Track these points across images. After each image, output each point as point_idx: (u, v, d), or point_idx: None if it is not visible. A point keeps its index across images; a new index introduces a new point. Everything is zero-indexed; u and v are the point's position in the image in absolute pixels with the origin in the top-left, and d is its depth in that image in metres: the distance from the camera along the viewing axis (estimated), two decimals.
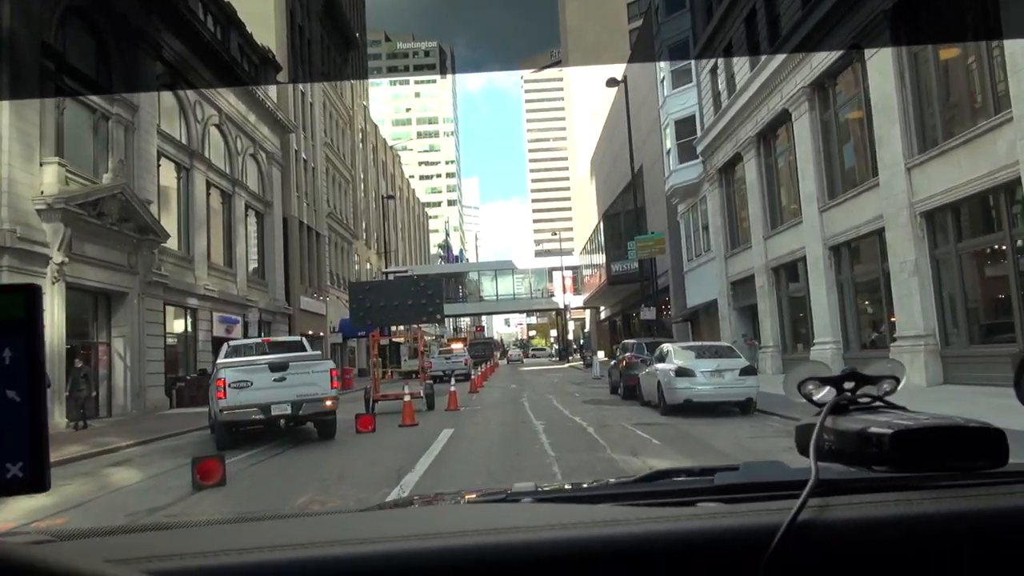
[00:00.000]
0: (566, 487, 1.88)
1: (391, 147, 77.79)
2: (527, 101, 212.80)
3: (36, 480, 0.73)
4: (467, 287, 70.96)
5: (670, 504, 1.21)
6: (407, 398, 16.32)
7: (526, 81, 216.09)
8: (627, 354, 21.89)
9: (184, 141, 28.58)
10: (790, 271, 24.99)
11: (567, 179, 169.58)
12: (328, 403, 13.33)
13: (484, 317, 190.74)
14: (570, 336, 66.74)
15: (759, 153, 26.22)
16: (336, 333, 46.45)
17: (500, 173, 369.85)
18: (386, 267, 61.22)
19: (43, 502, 8.57)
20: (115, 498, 9.58)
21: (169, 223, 26.62)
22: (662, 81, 36.07)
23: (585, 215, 75.00)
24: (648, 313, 31.29)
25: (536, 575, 1.00)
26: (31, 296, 0.75)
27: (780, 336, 25.69)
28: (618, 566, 1.00)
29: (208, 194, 30.65)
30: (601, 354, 69.64)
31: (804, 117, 21.86)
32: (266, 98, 36.11)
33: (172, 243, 26.93)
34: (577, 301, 67.29)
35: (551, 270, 69.19)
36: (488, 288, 70.59)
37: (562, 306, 64.64)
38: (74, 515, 8.39)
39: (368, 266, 62.57)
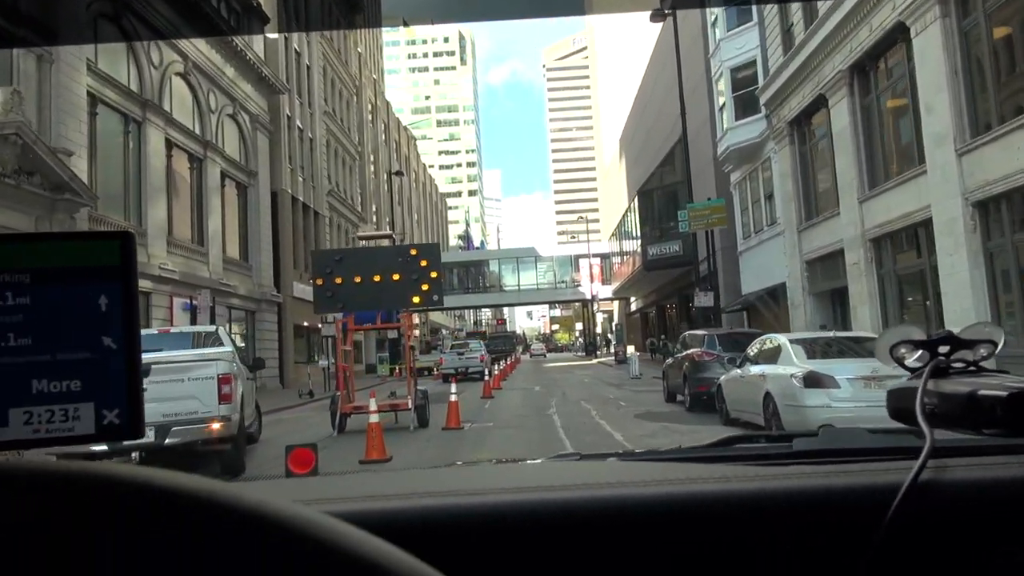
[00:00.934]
0: (637, 450, 1.88)
1: (405, 128, 72.34)
2: (549, 90, 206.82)
3: (132, 427, 0.74)
4: (487, 277, 65.37)
5: (760, 465, 1.15)
6: (374, 418, 10.68)
7: (548, 70, 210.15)
8: (693, 350, 16.12)
9: (134, 88, 23.19)
10: (903, 240, 19.09)
11: (592, 169, 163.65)
12: (214, 427, 8.04)
13: (506, 310, 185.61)
14: (598, 329, 60.85)
15: (853, 92, 20.32)
16: (330, 324, 41.14)
17: (523, 166, 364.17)
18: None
19: None
20: None
21: (111, 185, 21.22)
22: (713, 24, 30.16)
23: (613, 201, 69.10)
24: (704, 299, 25.59)
25: (652, 528, 0.96)
26: (126, 243, 0.75)
27: (883, 327, 19.76)
28: (732, 523, 0.97)
29: (169, 156, 25.28)
30: (631, 349, 63.88)
31: (933, 27, 15.95)
32: (247, 49, 30.65)
33: (114, 210, 21.56)
34: (605, 291, 61.50)
35: (576, 257, 63.37)
36: (509, 278, 64.94)
37: (589, 296, 58.88)
38: None
39: None
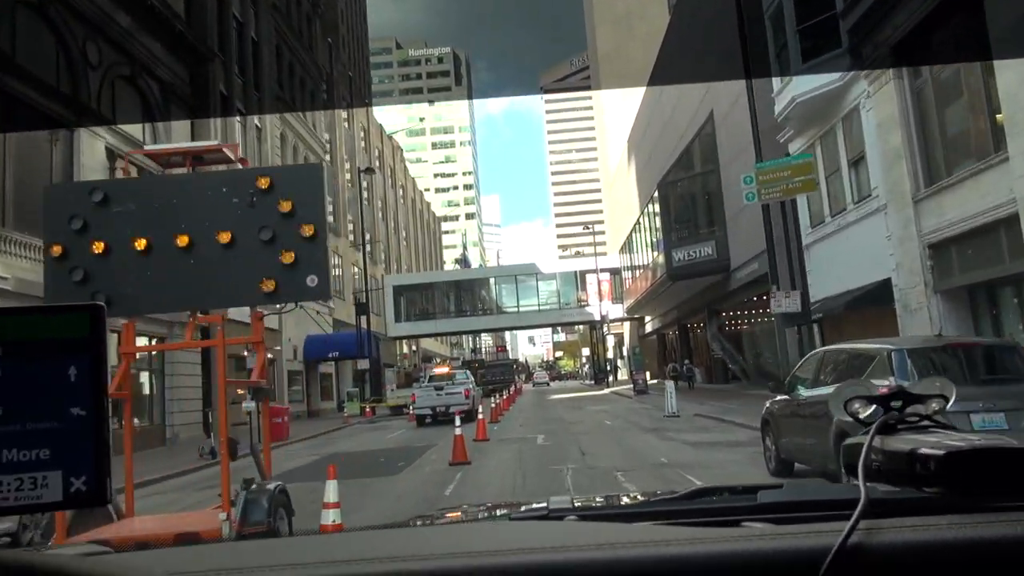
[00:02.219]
0: (607, 503, 1.86)
1: (390, 137, 64.97)
2: (547, 112, 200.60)
3: (99, 493, 0.76)
4: (483, 299, 57.51)
5: (714, 524, 1.16)
6: None
7: (546, 91, 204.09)
8: (855, 387, 8.07)
9: None
10: None
11: (595, 191, 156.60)
12: None
13: (507, 336, 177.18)
14: (608, 354, 52.89)
15: None
16: (294, 361, 33.21)
17: (523, 194, 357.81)
18: (376, 273, 48.51)
19: None
20: None
21: None
22: None
23: (620, 214, 61.45)
24: (788, 302, 17.86)
25: None
26: (95, 314, 0.78)
27: None
28: None
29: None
30: (647, 374, 55.77)
31: None
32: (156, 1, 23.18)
33: None
34: (616, 311, 53.61)
35: (582, 274, 55.53)
36: (508, 300, 57.08)
37: (598, 316, 51.02)
38: None
39: (354, 271, 49.41)
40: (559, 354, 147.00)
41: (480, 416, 19.85)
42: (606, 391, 48.01)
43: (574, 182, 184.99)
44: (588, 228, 54.97)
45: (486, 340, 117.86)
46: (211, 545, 1.37)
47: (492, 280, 57.17)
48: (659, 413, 23.93)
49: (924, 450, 1.07)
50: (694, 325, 45.80)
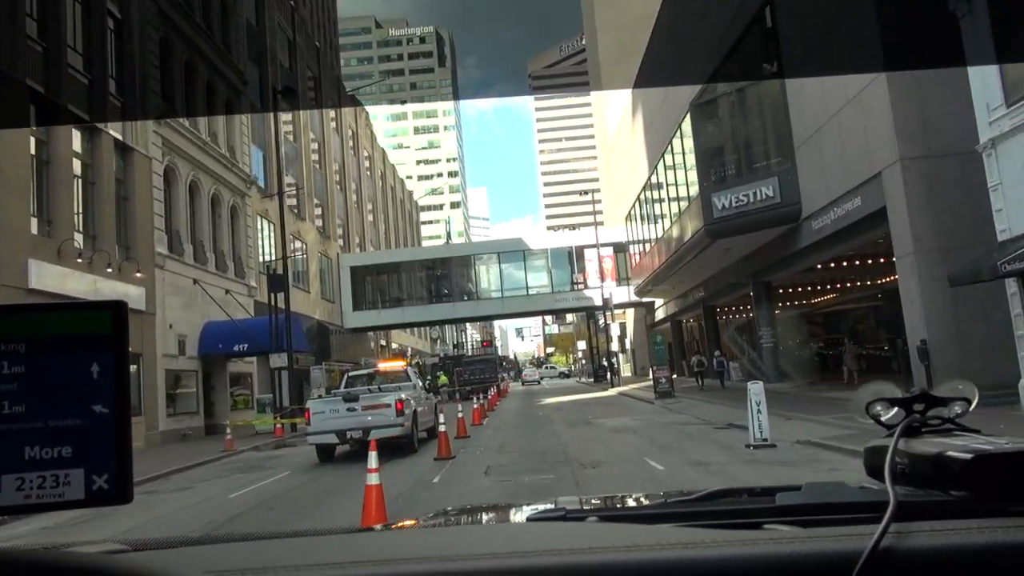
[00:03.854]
0: (623, 503, 1.84)
1: (353, 94, 54.54)
2: (536, 99, 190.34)
3: (121, 492, 0.76)
4: (457, 283, 47.30)
5: (736, 526, 1.13)
6: None
7: (534, 79, 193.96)
8: None
9: None
10: None
11: (588, 173, 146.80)
12: None
13: (497, 331, 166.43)
14: (614, 346, 42.72)
15: None
16: (179, 357, 22.64)
17: (512, 189, 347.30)
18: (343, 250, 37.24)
19: None
20: None
21: None
22: None
23: (623, 184, 51.30)
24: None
25: None
26: (118, 312, 0.78)
27: None
28: None
29: None
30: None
31: None
32: None
33: None
34: (620, 295, 43.44)
35: (578, 249, 45.37)
36: (489, 283, 46.90)
37: (601, 298, 40.83)
38: None
39: (300, 246, 39.12)
40: (551, 350, 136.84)
41: (442, 429, 9.91)
42: (611, 392, 37.87)
43: (565, 160, 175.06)
44: (585, 193, 44.82)
45: (473, 335, 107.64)
46: (235, 544, 1.23)
47: (470, 259, 46.85)
48: (720, 433, 14.10)
49: (951, 453, 1.04)
50: (728, 308, 35.75)
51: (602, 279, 42.17)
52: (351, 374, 17.61)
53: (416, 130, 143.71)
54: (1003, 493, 1.03)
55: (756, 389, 12.73)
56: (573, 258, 45.41)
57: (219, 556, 1.16)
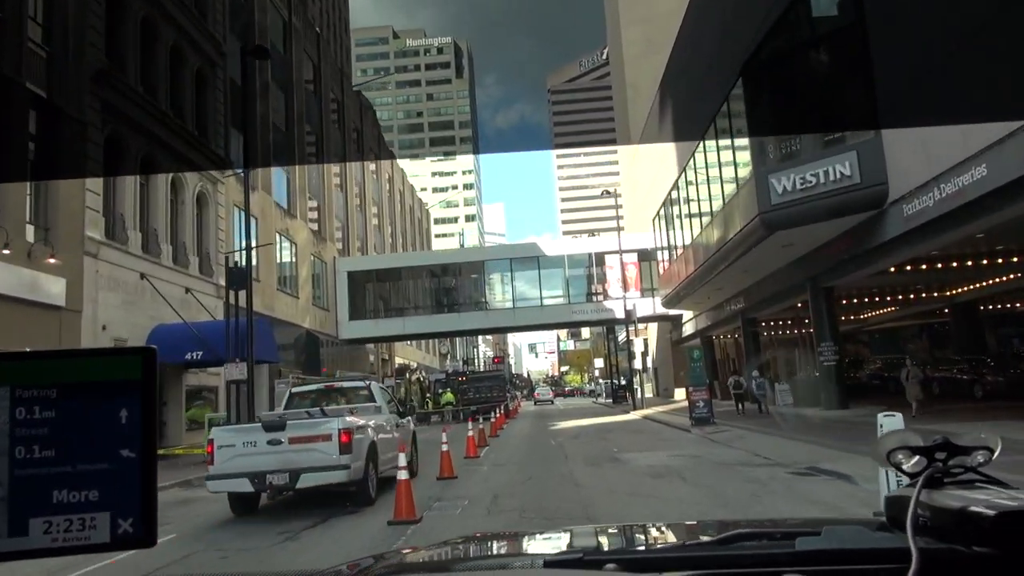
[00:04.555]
0: (640, 545, 1.76)
1: (357, 88, 50.45)
2: (555, 114, 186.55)
3: (146, 535, 0.76)
4: (464, 292, 42.88)
5: (755, 575, 1.15)
6: None
7: (553, 93, 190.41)
8: None
9: None
10: None
11: (605, 192, 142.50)
12: None
13: (511, 348, 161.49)
14: (636, 363, 37.99)
15: None
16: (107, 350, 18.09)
17: (529, 207, 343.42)
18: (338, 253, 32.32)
19: None
20: None
21: None
22: None
23: (648, 187, 46.78)
24: None
25: None
26: (148, 358, 0.79)
27: None
28: None
29: None
30: (681, 392, 40.78)
31: None
32: None
33: None
34: (644, 307, 38.74)
35: (599, 256, 40.81)
36: (501, 293, 42.47)
37: (622, 312, 36.15)
38: None
39: (291, 248, 34.95)
40: (565, 368, 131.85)
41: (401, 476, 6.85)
42: (634, 415, 33.16)
43: (583, 176, 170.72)
44: (608, 195, 40.32)
45: (486, 352, 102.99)
46: None
47: (480, 265, 42.36)
48: (807, 484, 9.76)
49: (975, 508, 1.02)
50: (773, 320, 31.01)
51: (625, 288, 37.55)
52: (294, 390, 13.06)
53: (432, 141, 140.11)
54: None
55: (892, 424, 8.07)
56: (592, 266, 40.85)
57: None
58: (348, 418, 9.92)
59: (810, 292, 22.75)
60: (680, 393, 45.99)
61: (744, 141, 20.34)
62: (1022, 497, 1.05)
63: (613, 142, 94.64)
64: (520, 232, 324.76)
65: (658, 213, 35.01)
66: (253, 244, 22.13)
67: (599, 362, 67.52)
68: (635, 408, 36.88)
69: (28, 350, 0.80)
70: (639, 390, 39.29)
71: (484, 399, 37.14)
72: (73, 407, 0.75)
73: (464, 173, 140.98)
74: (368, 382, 12.51)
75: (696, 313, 37.67)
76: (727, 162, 23.07)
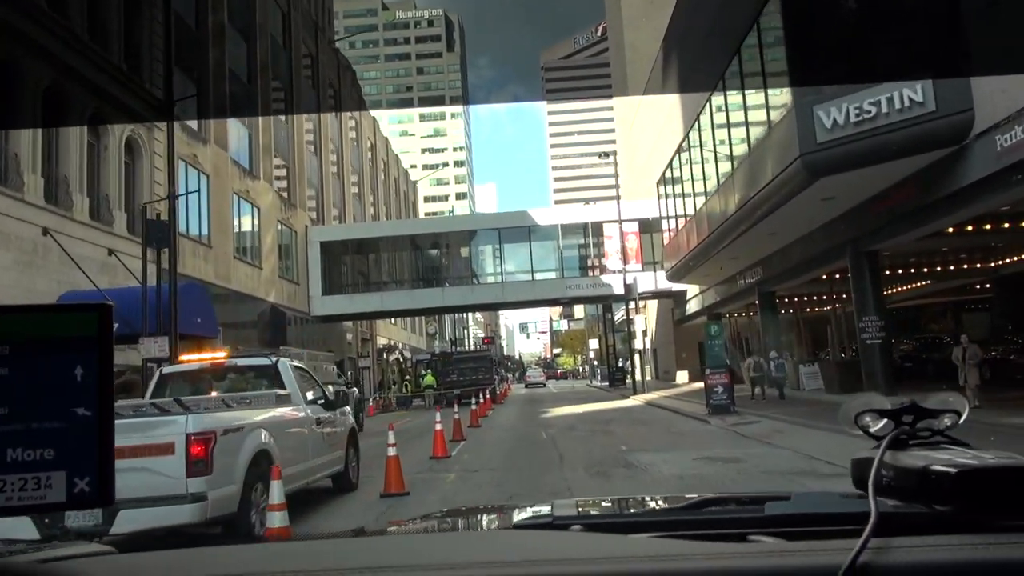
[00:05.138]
0: (612, 510, 1.81)
1: (338, 40, 46.27)
2: (548, 92, 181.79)
3: (103, 494, 0.75)
4: (451, 265, 39.14)
5: (721, 537, 1.11)
6: None
7: (547, 71, 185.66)
8: None
9: None
10: None
11: (598, 177, 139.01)
12: None
13: (503, 330, 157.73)
14: (637, 343, 34.26)
15: None
16: None
17: (522, 187, 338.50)
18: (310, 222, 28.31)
19: None
20: None
21: None
22: None
23: (650, 152, 42.94)
24: None
25: None
26: (103, 314, 0.77)
27: None
28: None
29: None
30: (683, 375, 37.34)
31: None
32: None
33: None
34: (643, 283, 35.01)
35: (596, 226, 37.06)
36: (489, 266, 38.75)
37: (625, 283, 32.42)
38: None
39: (252, 212, 31.10)
40: (558, 351, 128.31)
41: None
42: (634, 400, 29.58)
43: (578, 166, 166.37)
44: (605, 156, 36.44)
45: (476, 333, 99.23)
46: (220, 548, 1.26)
47: (467, 236, 38.53)
48: None
49: (936, 467, 1.03)
50: (797, 294, 27.36)
51: (625, 261, 33.82)
52: (167, 369, 9.30)
53: (422, 117, 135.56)
54: (987, 508, 1.01)
55: None
56: (589, 236, 37.08)
57: (204, 560, 1.14)
58: (210, 415, 6.15)
59: (850, 257, 19.03)
60: (682, 376, 42.46)
61: (778, 61, 16.50)
62: (985, 456, 1.05)
63: (609, 109, 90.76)
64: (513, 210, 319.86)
65: (663, 177, 31.19)
66: (182, 192, 18.24)
67: (594, 343, 63.95)
68: (635, 392, 33.29)
69: None
70: (639, 373, 35.66)
71: (469, 382, 33.45)
72: (26, 364, 0.72)
73: (455, 150, 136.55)
74: (276, 359, 8.70)
75: (703, 288, 33.98)
76: (755, 105, 19.28)
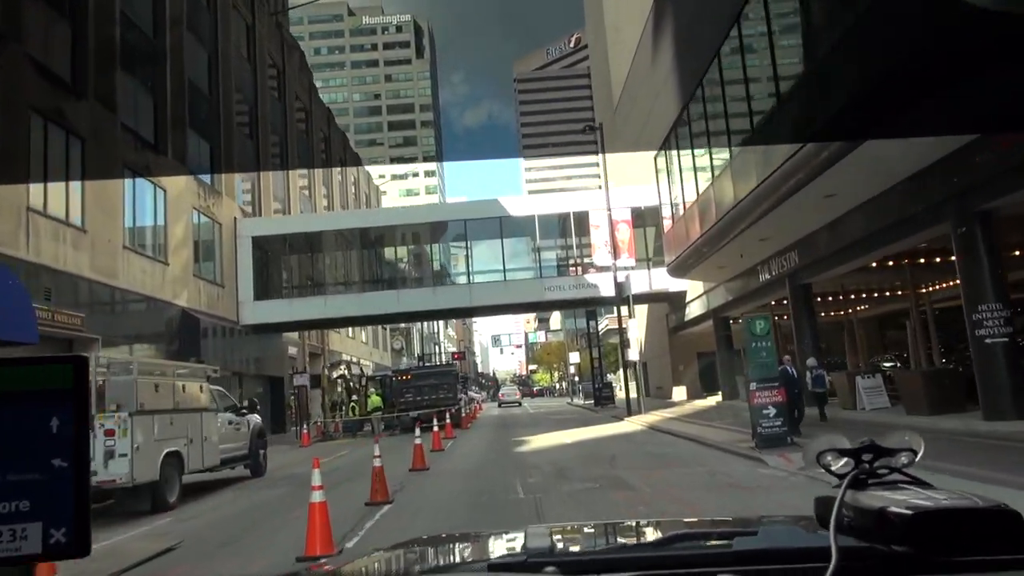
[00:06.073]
0: (583, 540, 1.83)
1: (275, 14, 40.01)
2: (521, 103, 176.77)
3: (79, 545, 0.74)
4: (402, 262, 33.01)
5: (693, 574, 1.16)
6: None
7: (520, 82, 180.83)
8: None
9: None
10: None
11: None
12: None
13: (478, 347, 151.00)
14: (631, 354, 28.20)
15: None
16: None
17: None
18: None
19: None
20: None
21: None
22: None
23: (640, 130, 37.31)
24: None
25: None
26: (79, 367, 0.77)
27: None
28: None
29: None
30: (681, 392, 31.69)
31: None
32: None
33: None
34: (639, 282, 29.09)
35: (578, 217, 31.19)
36: (451, 262, 32.72)
37: (616, 281, 26.52)
38: None
39: (154, 193, 24.85)
40: (533, 367, 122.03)
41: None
42: (632, 424, 23.59)
43: (551, 179, 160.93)
44: (592, 128, 30.59)
45: (448, 348, 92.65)
46: None
47: (426, 229, 32.45)
48: None
49: (893, 509, 1.05)
50: (844, 288, 21.57)
51: (616, 255, 27.92)
52: None
53: (391, 125, 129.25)
54: (942, 549, 1.02)
55: None
56: (571, 226, 31.15)
57: None
58: None
59: (953, 220, 13.24)
60: (678, 393, 36.64)
61: None
62: (938, 497, 1.07)
63: (589, 110, 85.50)
64: None
65: (661, 150, 25.37)
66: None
67: (574, 357, 57.91)
68: (630, 413, 27.29)
69: None
70: (631, 389, 29.69)
71: (428, 402, 27.22)
72: (2, 416, 0.71)
73: (426, 159, 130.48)
74: None
75: (708, 288, 28.18)
76: (786, 27, 13.56)
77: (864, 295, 22.27)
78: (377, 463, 10.05)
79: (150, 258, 24.15)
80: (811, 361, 18.65)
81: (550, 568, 1.28)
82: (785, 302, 22.27)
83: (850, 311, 22.62)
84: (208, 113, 29.54)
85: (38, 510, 0.72)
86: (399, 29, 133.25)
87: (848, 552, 1.03)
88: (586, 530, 1.97)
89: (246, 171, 33.52)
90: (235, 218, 31.26)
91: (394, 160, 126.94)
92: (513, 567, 1.35)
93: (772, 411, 13.18)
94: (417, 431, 16.56)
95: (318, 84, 62.97)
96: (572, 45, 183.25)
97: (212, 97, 30.08)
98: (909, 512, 1.03)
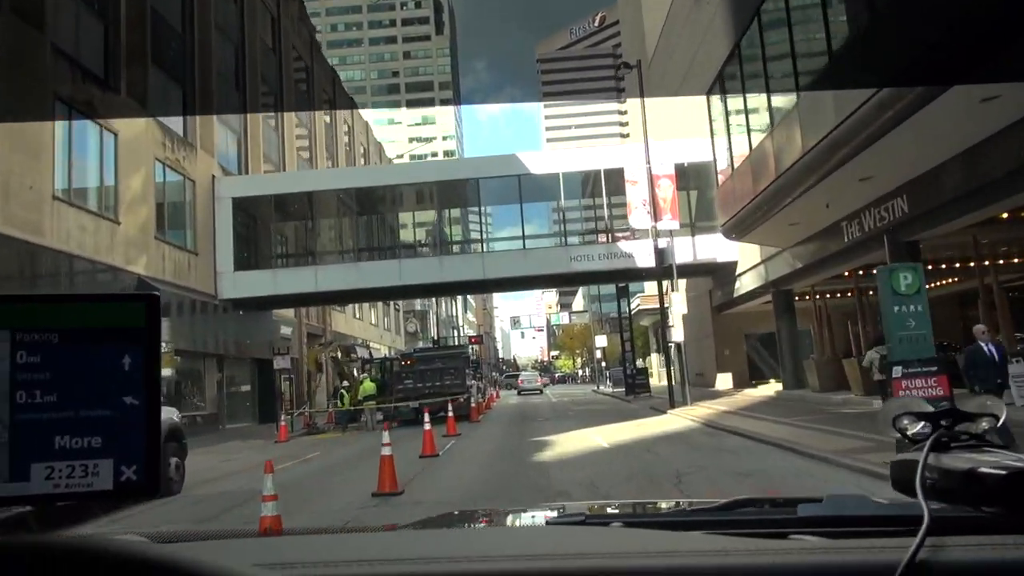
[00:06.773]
0: (643, 510, 1.79)
1: None
2: (544, 84, 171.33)
3: (150, 484, 0.76)
4: (407, 230, 28.53)
5: (760, 535, 1.10)
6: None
7: (543, 62, 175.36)
8: None
9: None
10: None
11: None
12: None
13: (499, 332, 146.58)
14: (677, 335, 23.55)
15: None
16: None
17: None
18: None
19: None
20: None
21: None
22: None
23: (680, 80, 32.27)
24: None
25: None
26: (151, 305, 0.77)
27: None
28: None
29: None
30: (725, 380, 26.89)
31: None
32: None
33: None
34: (682, 250, 24.32)
35: (609, 173, 26.41)
36: (463, 231, 28.11)
37: (656, 247, 21.90)
38: None
39: (100, 137, 20.45)
40: (555, 353, 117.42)
41: None
42: (679, 418, 18.90)
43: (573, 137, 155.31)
44: (628, 66, 25.81)
45: (467, 332, 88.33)
46: (276, 539, 1.29)
47: (431, 189, 27.90)
48: None
49: (984, 469, 1.02)
50: (981, 247, 16.65)
51: (657, 216, 23.17)
52: None
53: (409, 103, 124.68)
54: None
55: None
56: (601, 185, 26.42)
57: (263, 550, 1.16)
58: None
59: None
60: (723, 381, 31.96)
61: None
62: None
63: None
64: None
65: (716, 82, 20.47)
66: None
67: (601, 340, 53.23)
68: (672, 405, 22.64)
69: (29, 294, 0.77)
70: (673, 376, 24.98)
71: (432, 390, 22.70)
72: (75, 352, 0.72)
73: (445, 139, 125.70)
74: None
75: (767, 256, 23.34)
76: None
77: (989, 251, 17.34)
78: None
79: (93, 214, 19.85)
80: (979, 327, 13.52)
81: (615, 523, 1.25)
82: (874, 271, 17.45)
83: (982, 278, 17.66)
84: (179, 51, 25.14)
85: (110, 447, 0.72)
86: (418, 4, 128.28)
87: (936, 514, 0.97)
88: (641, 505, 1.92)
89: (232, 127, 29.12)
90: (212, 176, 26.92)
91: (413, 140, 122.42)
92: (573, 523, 1.31)
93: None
94: (427, 422, 12.95)
95: (334, 62, 58.59)
96: (596, 24, 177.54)
97: (186, 35, 25.67)
98: (1002, 472, 0.97)
